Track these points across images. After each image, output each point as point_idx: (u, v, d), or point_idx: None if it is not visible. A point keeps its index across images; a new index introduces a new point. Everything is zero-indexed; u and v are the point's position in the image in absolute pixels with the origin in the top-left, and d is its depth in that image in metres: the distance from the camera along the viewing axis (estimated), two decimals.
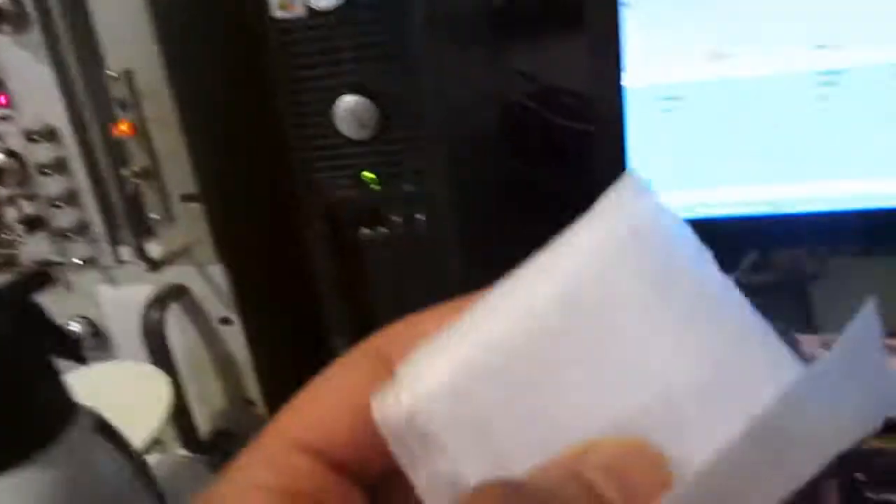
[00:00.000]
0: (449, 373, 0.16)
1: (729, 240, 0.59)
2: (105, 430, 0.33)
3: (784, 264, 0.78)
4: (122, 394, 0.54)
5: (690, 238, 0.16)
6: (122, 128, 0.54)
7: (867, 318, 0.15)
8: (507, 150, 0.70)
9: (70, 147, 0.56)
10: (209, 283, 0.59)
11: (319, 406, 0.18)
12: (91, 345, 0.63)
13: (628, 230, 0.16)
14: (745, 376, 0.15)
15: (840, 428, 0.14)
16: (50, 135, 0.55)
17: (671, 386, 0.15)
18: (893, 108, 0.52)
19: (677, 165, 0.56)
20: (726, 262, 0.16)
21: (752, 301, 0.16)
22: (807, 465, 0.14)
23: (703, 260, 0.16)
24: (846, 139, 0.53)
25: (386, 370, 0.17)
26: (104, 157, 0.55)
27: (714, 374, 0.15)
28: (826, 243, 0.68)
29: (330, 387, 0.18)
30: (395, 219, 0.58)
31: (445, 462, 0.15)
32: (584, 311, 0.15)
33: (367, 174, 0.57)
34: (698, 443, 0.14)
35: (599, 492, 0.14)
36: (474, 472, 0.15)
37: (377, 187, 0.57)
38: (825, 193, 0.55)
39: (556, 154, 0.73)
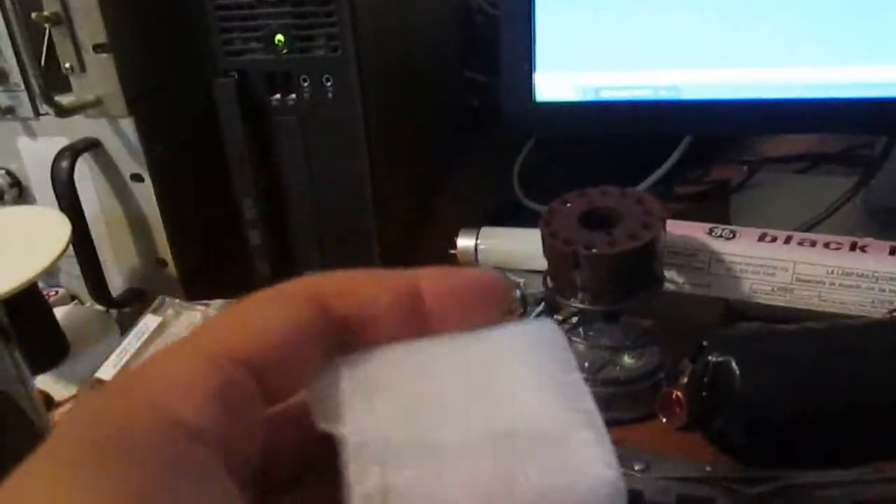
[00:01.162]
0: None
1: (632, 123, 0.60)
2: None
3: (710, 175, 0.79)
4: (25, 232, 0.56)
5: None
6: None
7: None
8: (420, 20, 0.70)
9: None
10: (121, 137, 0.60)
11: (250, 323, 0.17)
12: (12, 196, 0.65)
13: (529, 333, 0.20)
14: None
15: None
16: None
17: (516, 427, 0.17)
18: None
19: (583, 50, 0.56)
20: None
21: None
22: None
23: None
24: (741, 27, 0.53)
25: (318, 311, 0.18)
26: (15, 2, 0.56)
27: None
28: (728, 130, 0.68)
29: (262, 309, 0.18)
30: (305, 84, 0.59)
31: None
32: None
33: (278, 37, 0.58)
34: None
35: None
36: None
37: (287, 51, 0.58)
38: (723, 81, 0.55)
39: (467, 32, 0.73)
